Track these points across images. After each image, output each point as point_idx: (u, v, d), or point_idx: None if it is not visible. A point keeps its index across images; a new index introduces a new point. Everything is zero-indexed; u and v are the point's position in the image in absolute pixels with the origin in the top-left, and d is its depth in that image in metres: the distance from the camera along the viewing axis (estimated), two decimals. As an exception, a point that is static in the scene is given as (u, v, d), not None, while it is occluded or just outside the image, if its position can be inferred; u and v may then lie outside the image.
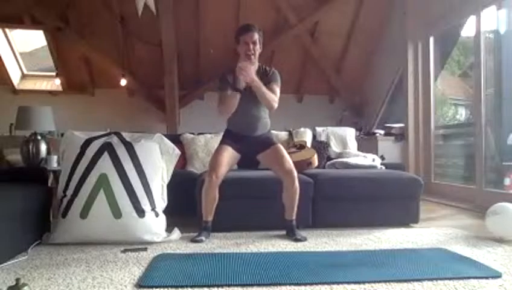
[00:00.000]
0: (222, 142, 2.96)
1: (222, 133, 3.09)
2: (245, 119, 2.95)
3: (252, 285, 1.89)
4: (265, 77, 2.91)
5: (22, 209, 2.45)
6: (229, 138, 2.97)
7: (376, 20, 7.14)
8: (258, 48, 2.91)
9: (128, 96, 8.23)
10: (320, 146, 4.03)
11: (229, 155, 2.88)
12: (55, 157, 3.56)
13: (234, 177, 3.05)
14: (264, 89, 2.82)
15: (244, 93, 2.85)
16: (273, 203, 2.94)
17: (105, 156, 2.73)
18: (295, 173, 2.82)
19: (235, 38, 2.91)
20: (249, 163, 3.34)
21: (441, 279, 1.95)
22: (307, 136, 4.07)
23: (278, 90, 2.94)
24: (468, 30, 5.19)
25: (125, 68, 7.63)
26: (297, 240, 2.74)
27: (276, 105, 2.88)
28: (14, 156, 4.05)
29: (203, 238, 2.73)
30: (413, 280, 1.94)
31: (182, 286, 1.86)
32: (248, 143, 2.94)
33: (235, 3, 6.88)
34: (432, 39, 5.51)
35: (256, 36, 2.87)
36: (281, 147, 2.99)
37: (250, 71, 2.74)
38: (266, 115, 3.04)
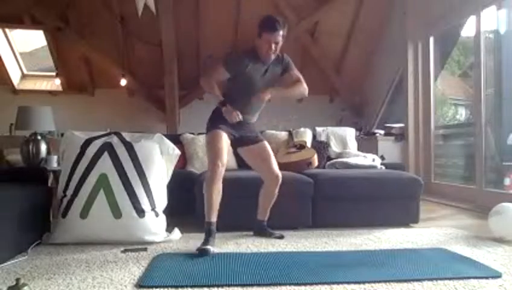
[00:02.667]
0: (215, 127, 2.66)
1: (213, 111, 2.76)
2: (249, 102, 2.68)
3: (252, 285, 1.89)
4: (280, 65, 2.75)
5: (22, 209, 2.45)
6: (221, 122, 2.65)
7: (376, 20, 7.14)
8: (280, 44, 2.66)
9: (128, 96, 8.22)
10: (320, 146, 4.03)
11: (226, 142, 2.66)
12: (55, 157, 3.56)
13: (234, 177, 3.04)
14: (284, 91, 2.77)
15: (258, 78, 2.68)
16: (273, 203, 2.94)
17: (105, 156, 2.73)
18: (280, 176, 2.76)
19: (258, 30, 2.63)
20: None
21: (441, 279, 1.95)
22: (307, 136, 4.07)
23: (298, 73, 2.78)
24: (468, 30, 5.19)
25: (125, 68, 7.63)
26: (277, 238, 2.79)
27: (306, 91, 2.75)
28: (14, 156, 4.05)
29: (210, 248, 2.41)
30: (413, 280, 1.94)
31: (182, 286, 1.86)
32: (239, 131, 2.72)
33: (235, 3, 6.88)
34: (431, 39, 5.51)
35: (280, 35, 2.62)
36: (267, 143, 2.83)
37: (233, 116, 2.57)
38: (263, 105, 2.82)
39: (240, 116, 2.59)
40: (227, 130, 2.65)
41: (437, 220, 3.69)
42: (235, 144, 2.78)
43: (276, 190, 2.77)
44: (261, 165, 2.78)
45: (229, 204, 2.90)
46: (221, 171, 2.52)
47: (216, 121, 2.68)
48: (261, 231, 2.86)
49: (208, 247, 2.40)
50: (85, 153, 2.76)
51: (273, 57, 2.66)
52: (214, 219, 2.54)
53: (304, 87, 2.73)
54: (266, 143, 2.81)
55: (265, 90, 2.61)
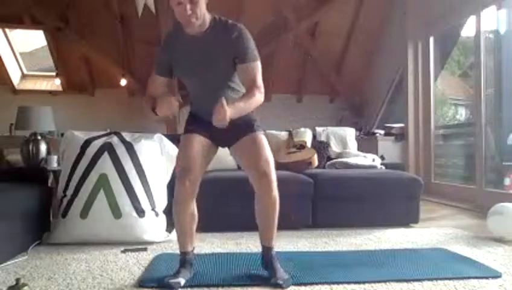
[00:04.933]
0: (185, 131, 2.06)
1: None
2: (209, 102, 1.86)
3: (252, 285, 1.89)
4: (226, 36, 1.92)
5: (22, 209, 2.45)
6: (194, 123, 2.06)
7: (376, 20, 7.14)
8: (201, 3, 1.87)
9: (128, 96, 8.22)
10: (320, 146, 4.03)
11: (201, 145, 1.99)
12: (55, 158, 3.56)
13: (234, 177, 3.04)
14: (241, 105, 1.86)
15: (198, 64, 1.95)
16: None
17: (105, 156, 2.73)
18: (273, 177, 1.93)
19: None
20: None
21: (441, 279, 1.95)
22: (307, 136, 4.07)
23: (257, 69, 1.93)
24: (468, 30, 5.20)
25: (125, 68, 7.63)
26: (277, 285, 1.88)
27: (262, 98, 1.93)
28: (14, 156, 4.05)
29: (181, 280, 1.89)
30: (413, 280, 1.94)
31: (182, 286, 1.86)
32: (219, 131, 1.87)
33: (235, 3, 6.88)
34: (432, 39, 5.51)
35: None
36: (262, 137, 2.02)
37: (225, 116, 1.73)
38: (238, 92, 2.01)
39: (179, 98, 1.92)
40: (203, 132, 1.99)
41: (437, 220, 3.69)
42: (224, 144, 2.09)
43: (272, 195, 1.93)
44: (246, 161, 2.03)
45: (229, 204, 2.91)
46: (191, 190, 1.89)
47: (187, 123, 2.08)
48: (267, 264, 2.01)
49: (179, 279, 1.89)
50: (85, 153, 2.76)
51: (197, 22, 1.86)
52: (189, 247, 2.00)
53: (260, 96, 1.91)
54: (258, 134, 2.02)
55: (221, 103, 1.75)
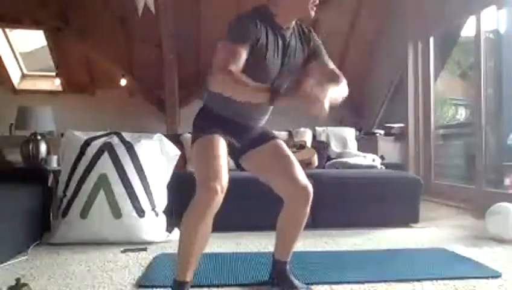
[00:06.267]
0: (206, 131, 1.72)
1: (198, 114, 1.86)
2: (258, 106, 1.70)
3: (251, 285, 1.89)
4: (304, 42, 1.84)
5: (22, 209, 2.46)
6: (218, 124, 1.74)
7: (376, 20, 7.14)
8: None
9: (128, 96, 8.22)
10: (320, 146, 4.03)
11: (225, 149, 1.71)
12: (55, 158, 3.56)
13: (234, 177, 3.03)
14: (335, 89, 1.62)
15: (279, 59, 1.71)
16: (273, 202, 2.93)
17: (105, 156, 2.73)
18: (311, 189, 1.77)
19: None
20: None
21: (441, 279, 1.96)
22: (306, 136, 4.07)
23: (332, 63, 1.86)
24: (468, 30, 5.19)
25: (125, 68, 7.63)
26: (293, 286, 1.83)
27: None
28: (14, 156, 4.05)
29: None
30: (413, 280, 1.94)
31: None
32: (242, 137, 1.80)
33: (235, 3, 6.88)
34: (432, 39, 5.50)
35: None
36: (284, 144, 1.88)
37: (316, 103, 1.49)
38: None
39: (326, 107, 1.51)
40: (225, 136, 1.73)
41: (437, 220, 3.69)
42: (237, 153, 1.87)
43: (306, 209, 1.78)
44: (278, 173, 1.79)
45: (229, 204, 2.90)
46: (219, 201, 1.58)
47: (208, 123, 1.76)
48: (282, 278, 1.88)
49: None
50: (85, 153, 2.76)
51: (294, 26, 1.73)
52: (188, 277, 1.63)
53: (345, 85, 1.73)
54: (282, 142, 1.89)
55: (304, 78, 1.68)
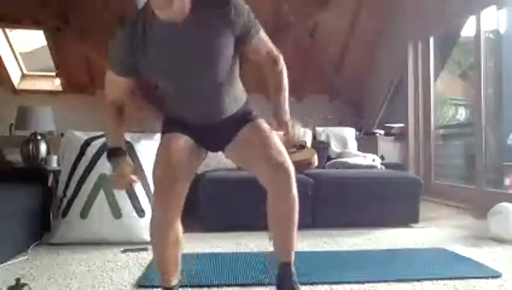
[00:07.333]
0: (165, 130, 1.63)
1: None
2: (199, 102, 1.56)
3: (252, 285, 1.89)
4: (219, 15, 1.42)
5: (22, 209, 2.46)
6: (177, 124, 1.62)
7: (376, 20, 7.14)
8: None
9: (129, 96, 8.22)
10: (320, 146, 4.03)
11: (187, 146, 1.58)
12: (55, 158, 3.56)
13: (233, 177, 3.04)
14: (283, 96, 1.63)
15: (185, 60, 1.44)
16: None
17: (105, 156, 2.72)
18: (291, 169, 1.50)
19: None
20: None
21: (441, 279, 1.96)
22: (306, 136, 4.07)
23: (266, 38, 1.57)
24: (468, 30, 5.20)
25: (125, 68, 7.62)
26: None
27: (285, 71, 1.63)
28: (14, 156, 4.05)
29: None
30: (413, 280, 1.94)
31: (181, 286, 1.86)
32: (209, 133, 1.62)
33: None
34: (432, 39, 5.50)
35: None
36: (266, 125, 1.64)
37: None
38: (235, 84, 1.63)
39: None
40: (189, 131, 1.60)
41: (437, 220, 3.68)
42: (215, 146, 1.69)
43: (291, 194, 1.51)
44: (252, 156, 1.57)
45: (229, 204, 2.91)
46: (176, 204, 1.48)
47: (165, 124, 1.65)
48: (285, 284, 1.57)
49: None
50: (85, 153, 2.76)
51: (177, 2, 1.34)
52: (173, 281, 1.57)
53: (284, 65, 1.63)
54: (261, 122, 1.65)
55: (282, 116, 1.59)
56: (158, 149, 1.57)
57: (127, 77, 1.54)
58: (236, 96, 1.64)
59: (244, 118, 1.63)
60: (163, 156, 1.52)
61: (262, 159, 1.51)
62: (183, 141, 1.56)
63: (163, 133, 1.63)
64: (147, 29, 1.43)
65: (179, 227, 1.52)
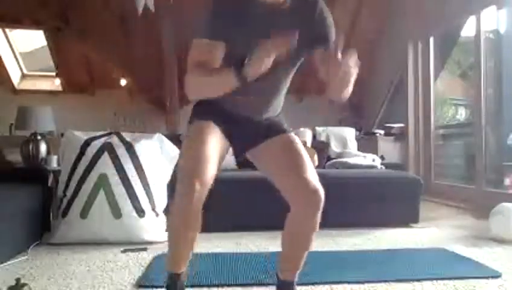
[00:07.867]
0: (197, 118, 1.53)
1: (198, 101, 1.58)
2: (256, 93, 1.50)
3: (252, 285, 1.89)
4: (306, 16, 1.47)
5: (22, 209, 2.46)
6: (213, 113, 1.51)
7: (376, 19, 7.14)
8: None
9: (128, 96, 8.23)
10: (320, 146, 4.03)
11: (218, 138, 1.49)
12: (55, 157, 3.56)
13: (234, 177, 3.04)
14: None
15: (269, 27, 1.35)
16: (273, 202, 2.93)
17: (105, 156, 2.73)
18: (322, 194, 1.51)
19: None
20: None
21: (441, 279, 1.96)
22: (307, 136, 4.07)
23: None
24: (468, 30, 5.20)
25: (125, 68, 7.63)
26: None
27: None
28: (14, 156, 4.05)
29: None
30: (413, 280, 1.94)
31: (182, 286, 1.86)
32: (244, 128, 1.56)
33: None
34: (432, 39, 5.51)
35: None
36: (299, 142, 1.63)
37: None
38: (285, 90, 1.66)
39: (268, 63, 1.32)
40: (224, 127, 1.52)
41: (437, 220, 3.68)
42: (240, 147, 1.63)
43: (315, 217, 1.53)
44: (286, 170, 1.53)
45: (229, 204, 2.91)
46: (202, 196, 1.38)
47: (203, 112, 1.54)
48: None
49: None
50: (85, 153, 2.76)
51: None
52: (182, 268, 1.57)
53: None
54: (295, 137, 1.64)
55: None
56: (190, 138, 1.49)
57: (222, 40, 1.41)
58: (280, 102, 1.65)
59: (277, 125, 1.62)
60: (193, 146, 1.45)
61: (297, 174, 1.49)
62: (215, 132, 1.49)
63: (195, 120, 1.52)
64: (244, 5, 1.41)
65: (199, 220, 1.45)
